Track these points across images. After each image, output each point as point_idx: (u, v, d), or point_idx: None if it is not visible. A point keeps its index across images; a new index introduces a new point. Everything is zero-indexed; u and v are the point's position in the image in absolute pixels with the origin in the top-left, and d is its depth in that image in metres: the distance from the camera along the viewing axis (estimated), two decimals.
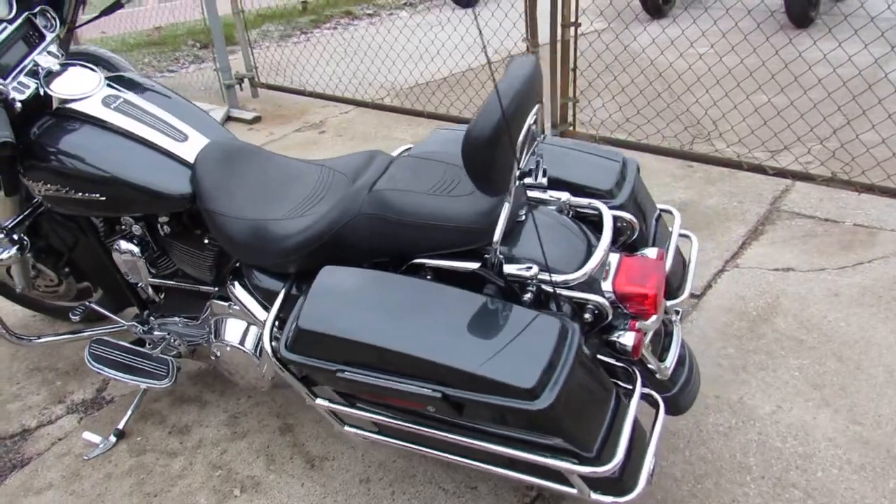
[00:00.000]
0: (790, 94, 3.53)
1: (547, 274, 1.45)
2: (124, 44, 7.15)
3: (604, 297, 1.47)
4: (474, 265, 1.48)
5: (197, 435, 2.13)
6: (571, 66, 3.46)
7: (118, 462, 2.05)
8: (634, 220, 1.66)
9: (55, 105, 1.87)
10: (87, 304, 2.22)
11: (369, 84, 5.12)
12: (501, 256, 1.44)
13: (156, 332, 2.08)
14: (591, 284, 1.49)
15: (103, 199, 1.79)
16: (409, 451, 1.58)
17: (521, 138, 1.33)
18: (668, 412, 1.68)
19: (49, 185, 1.81)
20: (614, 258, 1.55)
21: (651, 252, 1.65)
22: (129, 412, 2.15)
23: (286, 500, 1.89)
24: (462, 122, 4.13)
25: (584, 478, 1.39)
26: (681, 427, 2.03)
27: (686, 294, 1.80)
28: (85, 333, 2.24)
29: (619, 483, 1.43)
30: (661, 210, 1.90)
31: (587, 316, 1.46)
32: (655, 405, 1.56)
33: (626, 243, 1.70)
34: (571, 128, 3.65)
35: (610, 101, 4.06)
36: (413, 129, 4.47)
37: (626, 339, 1.48)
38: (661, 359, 1.62)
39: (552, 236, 1.55)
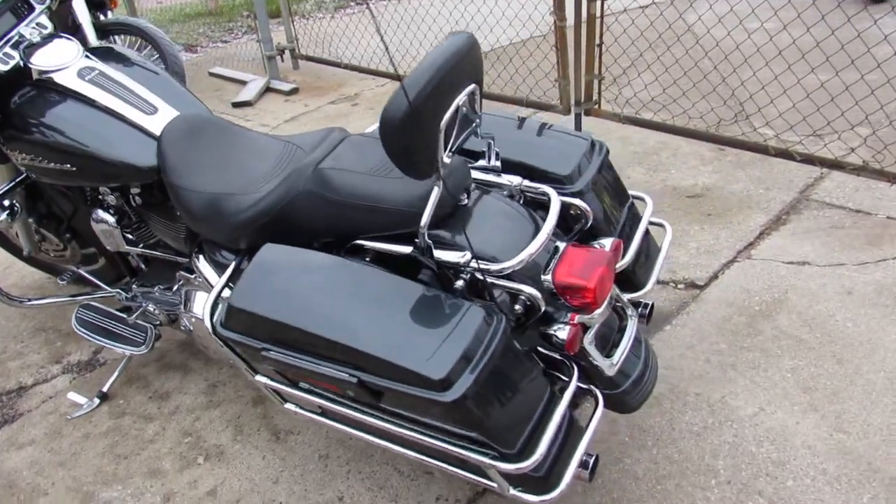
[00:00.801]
0: (840, 75, 3.28)
1: (480, 261, 1.41)
2: (181, 14, 7.32)
3: (540, 287, 1.41)
4: (407, 249, 1.45)
5: (175, 401, 2.19)
6: (597, 41, 3.31)
7: (98, 423, 2.13)
8: (587, 208, 1.58)
9: (34, 76, 1.92)
10: (76, 269, 2.30)
11: (410, 56, 5.05)
12: (430, 242, 1.40)
13: (138, 300, 2.14)
14: (529, 274, 1.44)
15: (74, 169, 1.83)
16: (345, 434, 1.57)
17: (445, 120, 1.27)
18: (616, 410, 1.62)
19: (24, 155, 1.87)
20: (561, 247, 1.48)
21: (606, 242, 1.57)
22: (114, 376, 2.23)
23: (245, 471, 1.93)
24: (489, 99, 4.04)
25: (504, 473, 1.35)
26: (653, 424, 1.95)
27: (650, 286, 1.71)
28: (78, 298, 2.32)
29: (544, 481, 1.38)
30: (634, 197, 1.81)
31: (518, 307, 1.40)
32: (596, 401, 1.50)
33: (582, 231, 1.63)
34: (597, 106, 3.51)
35: (634, 78, 3.88)
36: None
37: (562, 332, 1.42)
38: (610, 354, 1.55)
39: (495, 223, 1.50)
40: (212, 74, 5.46)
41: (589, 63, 3.38)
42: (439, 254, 1.42)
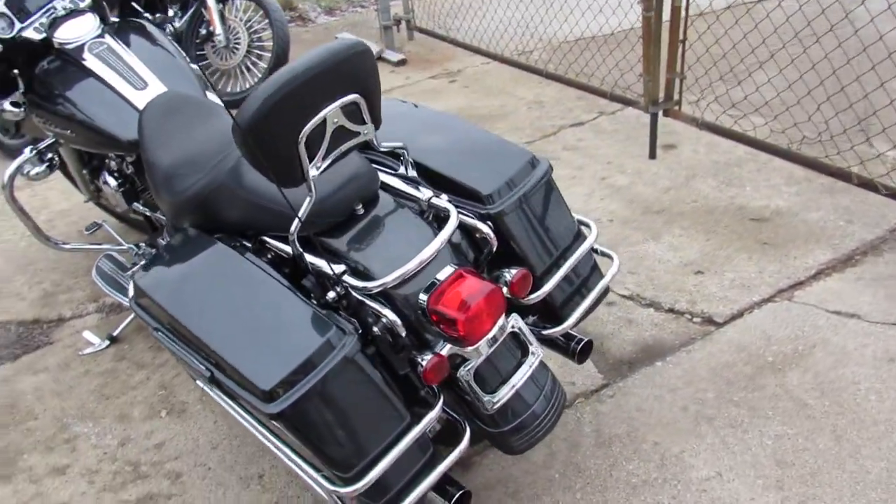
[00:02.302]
0: None
1: (356, 277, 1.38)
2: None
3: (403, 312, 1.35)
4: (288, 251, 1.45)
5: (168, 353, 2.36)
6: (680, 37, 3.02)
7: (101, 362, 2.36)
8: (490, 234, 1.47)
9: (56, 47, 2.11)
10: (99, 222, 2.53)
11: (525, 34, 4.90)
12: (300, 250, 1.39)
13: (141, 258, 2.32)
14: (407, 296, 1.38)
15: (74, 135, 2.01)
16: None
17: (304, 132, 1.24)
18: (501, 450, 1.53)
19: (40, 118, 2.08)
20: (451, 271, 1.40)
21: (513, 272, 1.47)
22: (126, 322, 2.44)
23: (195, 431, 2.05)
24: (576, 88, 3.82)
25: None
26: (591, 466, 1.81)
27: (570, 322, 1.57)
28: (106, 248, 2.54)
29: None
30: (579, 222, 1.65)
31: (375, 329, 1.36)
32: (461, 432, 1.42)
33: (490, 257, 1.52)
34: (677, 107, 3.22)
35: (708, 78, 3.46)
36: (539, 89, 4.26)
37: (424, 361, 1.35)
38: (495, 390, 1.45)
39: (389, 236, 1.45)
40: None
41: (671, 60, 3.10)
42: (317, 262, 1.41)
